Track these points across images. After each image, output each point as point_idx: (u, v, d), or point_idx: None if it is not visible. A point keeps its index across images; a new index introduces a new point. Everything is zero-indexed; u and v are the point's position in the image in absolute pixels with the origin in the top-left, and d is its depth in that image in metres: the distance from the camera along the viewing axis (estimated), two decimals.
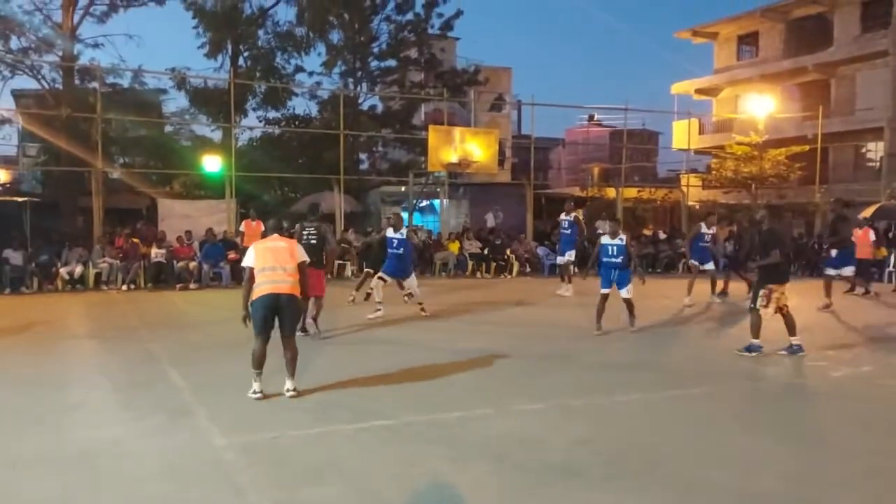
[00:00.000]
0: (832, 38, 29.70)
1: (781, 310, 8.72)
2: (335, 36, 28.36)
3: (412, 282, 12.26)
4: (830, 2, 29.43)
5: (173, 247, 17.10)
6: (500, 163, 23.53)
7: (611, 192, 27.80)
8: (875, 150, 28.66)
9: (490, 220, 25.39)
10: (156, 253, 16.79)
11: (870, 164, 29.19)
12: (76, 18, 22.86)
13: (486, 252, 20.44)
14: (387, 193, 27.37)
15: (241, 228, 17.35)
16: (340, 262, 19.54)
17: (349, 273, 19.38)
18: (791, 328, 8.78)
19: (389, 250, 11.93)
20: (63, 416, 6.22)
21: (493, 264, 20.11)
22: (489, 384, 7.44)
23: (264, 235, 7.94)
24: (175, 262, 16.63)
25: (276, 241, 7.04)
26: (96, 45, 24.82)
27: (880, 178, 26.28)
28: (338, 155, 22.22)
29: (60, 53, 22.84)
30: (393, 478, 4.84)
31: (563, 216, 15.47)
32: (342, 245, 20.01)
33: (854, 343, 9.83)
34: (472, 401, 6.67)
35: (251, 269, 6.83)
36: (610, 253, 10.31)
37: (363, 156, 30.94)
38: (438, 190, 24.69)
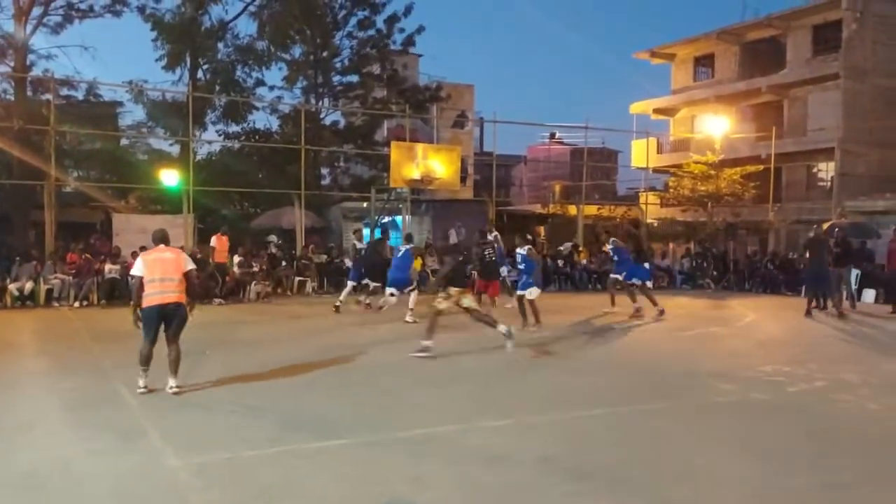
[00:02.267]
0: (785, 60, 30.51)
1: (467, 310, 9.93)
2: (297, 50, 28.28)
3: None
4: (783, 25, 30.25)
5: (128, 262, 16.72)
6: (463, 179, 23.59)
7: (572, 210, 28.08)
8: (826, 170, 29.42)
9: (452, 237, 25.40)
10: (110, 269, 16.43)
11: (821, 183, 29.94)
12: (29, 29, 22.45)
13: None
14: (349, 209, 27.24)
15: (213, 244, 17.03)
16: (301, 278, 19.38)
17: (309, 290, 19.20)
18: (429, 330, 9.74)
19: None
20: (11, 438, 6.00)
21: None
22: (451, 401, 7.38)
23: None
24: (130, 278, 16.25)
25: (163, 252, 7.49)
26: (50, 57, 24.36)
27: (831, 197, 26.96)
28: (299, 170, 22.06)
29: (12, 64, 22.34)
30: (351, 499, 4.75)
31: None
32: (303, 262, 19.86)
33: (809, 358, 10.00)
34: (434, 418, 6.62)
35: (140, 279, 7.33)
36: (518, 262, 12.78)
37: (325, 171, 30.77)
38: (401, 206, 24.64)
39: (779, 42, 31.26)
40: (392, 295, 13.39)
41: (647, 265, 14.94)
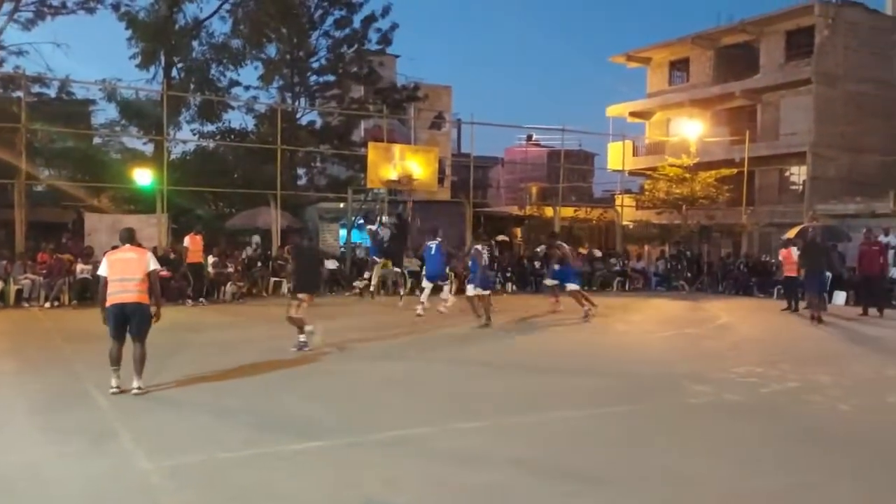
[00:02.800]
0: (758, 65, 30.87)
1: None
2: (272, 50, 28.11)
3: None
4: (757, 31, 30.61)
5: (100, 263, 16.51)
6: (440, 180, 23.58)
7: (548, 211, 28.18)
8: (798, 174, 29.80)
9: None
10: (82, 269, 16.19)
11: (793, 187, 30.34)
12: None
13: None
14: (325, 210, 27.12)
15: (186, 244, 16.80)
16: (276, 279, 19.25)
17: (285, 290, 19.06)
18: (300, 328, 10.13)
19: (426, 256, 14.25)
20: None
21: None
22: (427, 402, 7.39)
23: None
24: (99, 281, 16.03)
25: (127, 252, 7.59)
26: (21, 53, 24.00)
27: (803, 200, 27.33)
28: (275, 170, 21.92)
29: None
30: (328, 501, 4.73)
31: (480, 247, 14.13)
32: (278, 262, 19.72)
33: (782, 360, 10.12)
34: (409, 420, 6.61)
35: (105, 278, 7.44)
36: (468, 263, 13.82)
37: (301, 171, 30.61)
38: (378, 207, 24.57)
39: (752, 47, 31.64)
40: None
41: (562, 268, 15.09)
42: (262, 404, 7.18)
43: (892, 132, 24.98)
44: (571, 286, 14.71)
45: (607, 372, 9.22)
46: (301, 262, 10.71)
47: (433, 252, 14.04)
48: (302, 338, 10.10)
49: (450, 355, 10.25)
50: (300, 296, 10.23)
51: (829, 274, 17.53)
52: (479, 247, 13.50)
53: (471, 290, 13.16)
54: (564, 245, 15.64)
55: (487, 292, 13.27)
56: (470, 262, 13.78)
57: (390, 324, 13.31)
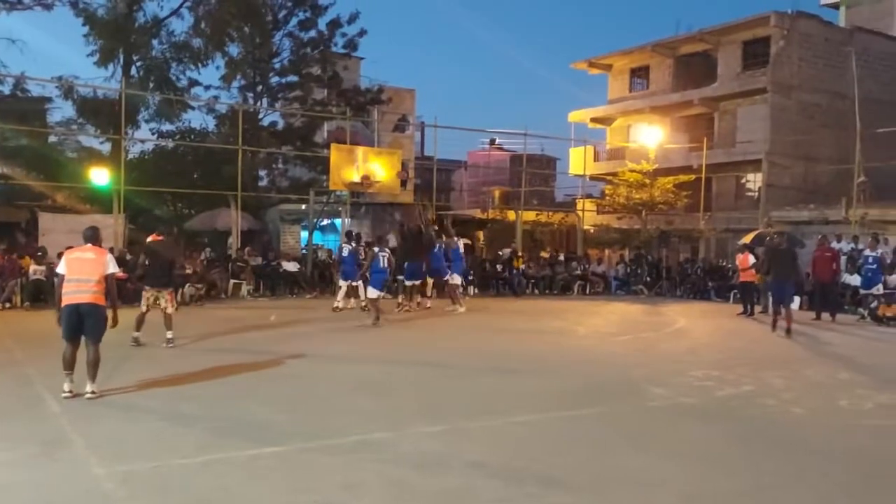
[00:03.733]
0: (716, 74, 31.42)
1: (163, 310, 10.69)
2: (234, 49, 27.77)
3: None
4: (715, 40, 31.15)
5: (54, 263, 16.13)
6: (403, 183, 23.51)
7: (511, 215, 28.32)
8: (754, 181, 30.37)
9: (392, 241, 25.32)
10: (35, 270, 15.82)
11: (749, 193, 30.91)
12: None
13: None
14: (286, 212, 26.90)
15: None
16: (236, 281, 19.03)
17: (244, 293, 18.87)
18: (167, 326, 10.58)
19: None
20: None
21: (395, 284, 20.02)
22: (386, 406, 7.35)
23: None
24: (56, 279, 15.68)
25: (86, 252, 7.50)
26: None
27: (759, 206, 27.88)
28: (235, 171, 21.67)
29: None
30: None
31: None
32: (238, 264, 19.50)
33: (737, 363, 10.30)
34: (368, 424, 6.57)
35: (62, 277, 7.36)
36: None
37: (263, 173, 30.29)
38: (340, 209, 24.45)
39: (710, 56, 32.18)
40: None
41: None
42: (219, 409, 7.08)
43: (844, 142, 25.56)
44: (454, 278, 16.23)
45: (568, 375, 9.28)
46: (154, 259, 11.03)
47: (435, 251, 15.94)
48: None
49: (412, 357, 10.24)
50: (148, 291, 10.74)
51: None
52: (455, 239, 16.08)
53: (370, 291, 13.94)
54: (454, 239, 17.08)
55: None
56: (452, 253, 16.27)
57: (351, 326, 13.26)
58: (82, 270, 7.32)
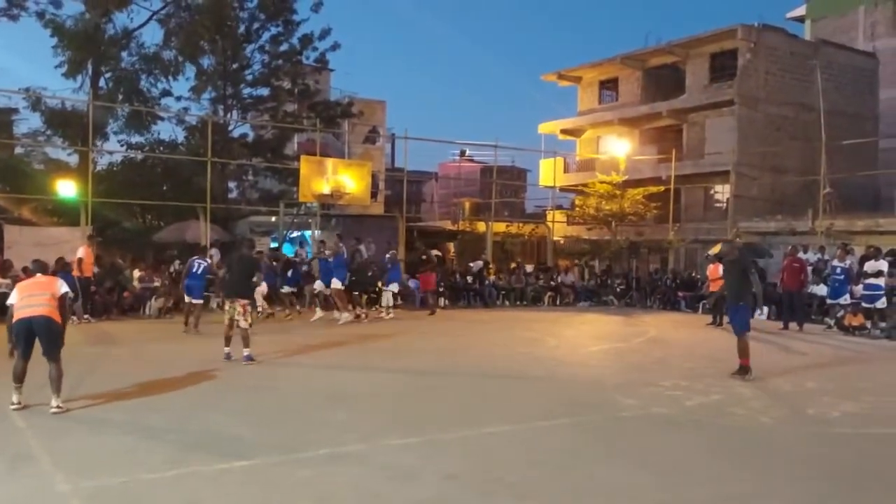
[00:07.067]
0: (684, 86, 31.88)
1: None
2: (206, 61, 27.56)
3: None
4: (683, 53, 31.62)
5: (20, 276, 15.82)
6: (374, 195, 23.49)
7: (481, 226, 28.38)
8: (722, 192, 30.80)
9: (363, 252, 25.24)
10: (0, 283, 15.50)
11: (717, 204, 31.33)
12: None
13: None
14: (257, 223, 26.68)
15: (80, 254, 16.02)
16: (207, 293, 18.78)
17: (214, 305, 18.64)
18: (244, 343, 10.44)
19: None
20: None
21: (364, 297, 19.94)
22: (360, 418, 7.31)
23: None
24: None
25: (39, 279, 7.71)
26: None
27: (727, 217, 28.26)
28: (205, 182, 21.47)
29: None
30: None
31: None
32: (208, 277, 19.26)
33: (706, 373, 10.40)
34: (341, 436, 6.53)
35: (12, 306, 7.38)
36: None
37: (233, 184, 30.03)
38: (310, 221, 24.32)
39: (679, 69, 32.64)
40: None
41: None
42: (188, 422, 6.99)
43: (811, 154, 26.02)
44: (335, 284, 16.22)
45: (540, 386, 9.31)
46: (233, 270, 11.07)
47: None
48: (246, 352, 10.29)
49: (385, 367, 10.19)
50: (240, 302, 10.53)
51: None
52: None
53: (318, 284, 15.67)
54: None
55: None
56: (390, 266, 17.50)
57: (324, 336, 13.17)
58: (34, 289, 7.46)
